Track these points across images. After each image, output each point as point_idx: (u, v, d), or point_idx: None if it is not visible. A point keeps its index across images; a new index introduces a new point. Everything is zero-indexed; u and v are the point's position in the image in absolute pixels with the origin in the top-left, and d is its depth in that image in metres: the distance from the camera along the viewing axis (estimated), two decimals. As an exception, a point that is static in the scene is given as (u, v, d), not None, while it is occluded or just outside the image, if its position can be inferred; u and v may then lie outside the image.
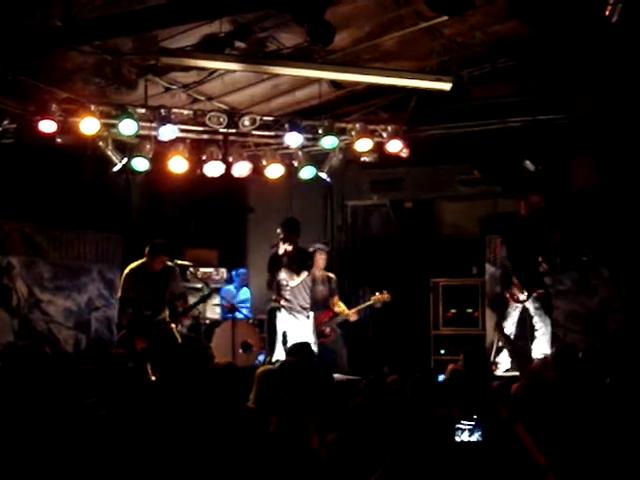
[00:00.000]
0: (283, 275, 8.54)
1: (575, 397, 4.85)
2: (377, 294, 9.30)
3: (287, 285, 8.53)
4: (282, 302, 8.49)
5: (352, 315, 9.31)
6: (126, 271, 8.31)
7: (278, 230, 8.51)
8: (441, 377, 5.66)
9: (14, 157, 8.76)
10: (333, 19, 6.84)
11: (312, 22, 6.52)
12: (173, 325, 8.32)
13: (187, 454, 3.99)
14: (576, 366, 5.63)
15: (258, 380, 5.17)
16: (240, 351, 9.26)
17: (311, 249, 9.04)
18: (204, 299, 9.18)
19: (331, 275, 9.35)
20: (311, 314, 8.67)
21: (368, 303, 9.42)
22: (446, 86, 8.21)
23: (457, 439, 3.64)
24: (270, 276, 8.69)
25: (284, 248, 8.41)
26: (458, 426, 3.65)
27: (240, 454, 4.05)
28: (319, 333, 8.84)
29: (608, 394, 4.92)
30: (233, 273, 11.08)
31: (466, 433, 3.67)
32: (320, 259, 9.19)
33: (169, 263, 8.36)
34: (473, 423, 3.67)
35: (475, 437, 3.68)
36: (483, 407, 3.92)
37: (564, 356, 5.82)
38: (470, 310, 10.25)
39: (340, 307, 9.34)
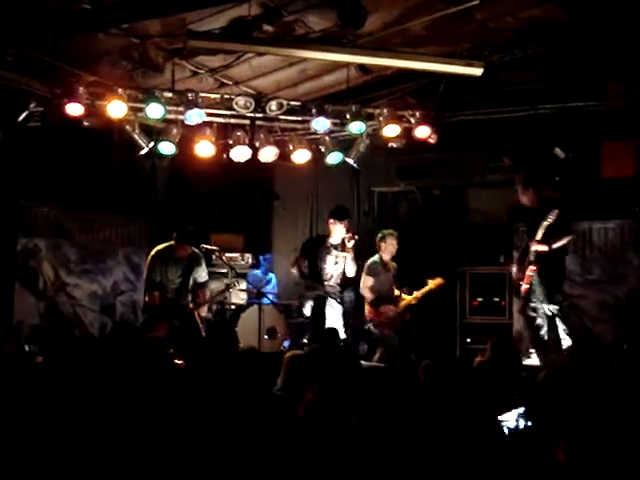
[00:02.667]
0: (333, 261, 8.62)
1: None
2: (430, 281, 9.09)
3: (334, 271, 8.64)
4: (328, 288, 8.57)
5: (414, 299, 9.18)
6: (152, 252, 8.33)
7: (345, 220, 8.61)
8: None
9: (41, 140, 8.76)
10: (363, 2, 6.78)
11: (344, 4, 6.46)
12: (196, 311, 8.33)
13: (211, 440, 3.96)
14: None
15: (286, 365, 5.13)
16: (265, 337, 9.25)
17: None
18: (228, 288, 9.16)
19: None
20: None
21: (427, 288, 9.13)
22: (477, 71, 8.10)
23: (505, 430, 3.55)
24: (305, 261, 8.71)
25: (354, 239, 8.49)
26: (500, 419, 3.56)
27: (267, 440, 4.01)
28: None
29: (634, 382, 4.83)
30: (261, 258, 11.06)
31: (512, 423, 3.58)
32: None
33: (194, 250, 8.37)
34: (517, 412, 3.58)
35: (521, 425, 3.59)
36: (515, 396, 3.86)
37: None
38: (497, 299, 10.18)
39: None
